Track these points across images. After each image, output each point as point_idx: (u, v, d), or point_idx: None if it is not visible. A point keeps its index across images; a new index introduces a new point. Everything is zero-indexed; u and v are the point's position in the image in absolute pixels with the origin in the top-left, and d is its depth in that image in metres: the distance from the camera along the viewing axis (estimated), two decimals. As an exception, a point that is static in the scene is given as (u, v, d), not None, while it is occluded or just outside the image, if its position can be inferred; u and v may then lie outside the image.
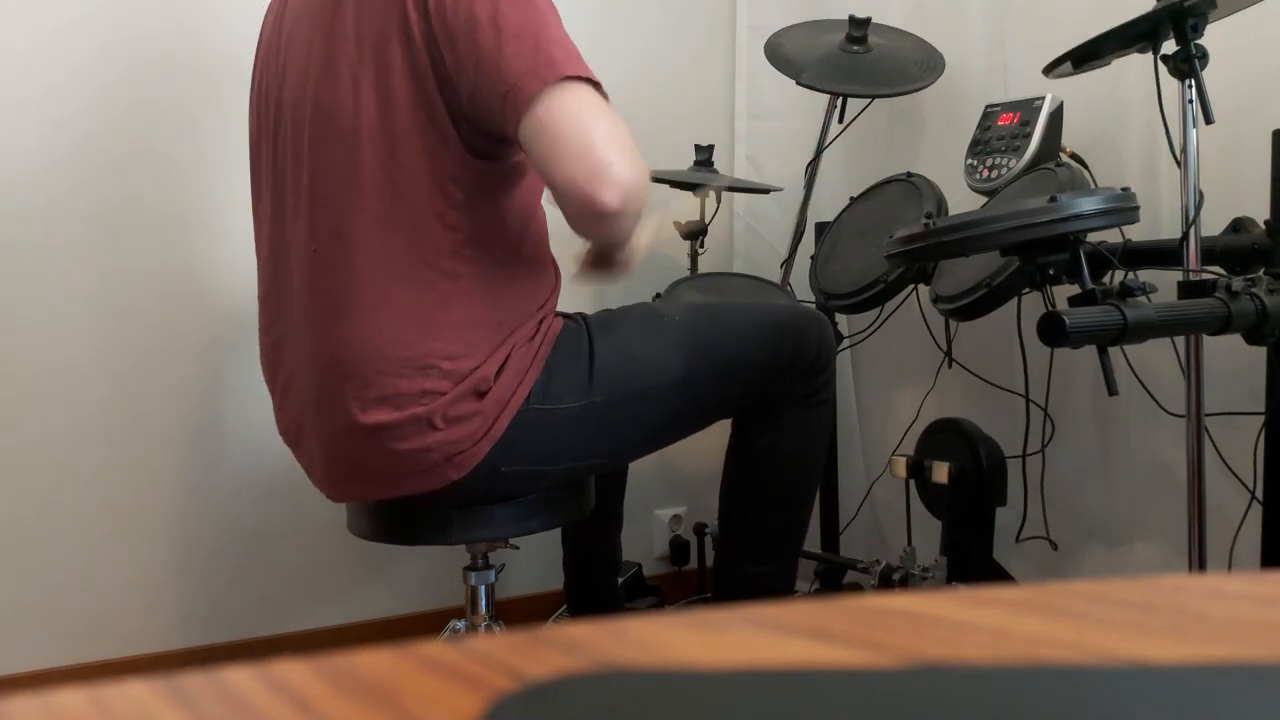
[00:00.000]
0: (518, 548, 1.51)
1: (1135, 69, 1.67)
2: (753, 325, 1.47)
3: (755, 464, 1.51)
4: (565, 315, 1.39)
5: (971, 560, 1.68)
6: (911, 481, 1.76)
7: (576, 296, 1.77)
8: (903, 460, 1.75)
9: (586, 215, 1.16)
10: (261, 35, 1.41)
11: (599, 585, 1.82)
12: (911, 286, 1.88)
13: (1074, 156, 1.71)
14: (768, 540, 1.53)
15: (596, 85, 1.18)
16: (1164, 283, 1.29)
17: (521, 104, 1.15)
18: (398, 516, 1.40)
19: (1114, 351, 1.26)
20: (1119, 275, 1.43)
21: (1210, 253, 1.44)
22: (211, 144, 1.93)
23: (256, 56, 1.40)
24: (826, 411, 1.53)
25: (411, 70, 1.20)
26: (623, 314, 1.45)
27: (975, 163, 1.74)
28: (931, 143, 2.13)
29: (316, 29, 1.27)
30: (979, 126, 1.79)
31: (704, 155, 2.14)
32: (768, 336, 1.46)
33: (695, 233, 2.17)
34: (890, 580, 1.79)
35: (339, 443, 1.29)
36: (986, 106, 1.80)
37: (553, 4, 1.23)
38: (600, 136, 1.15)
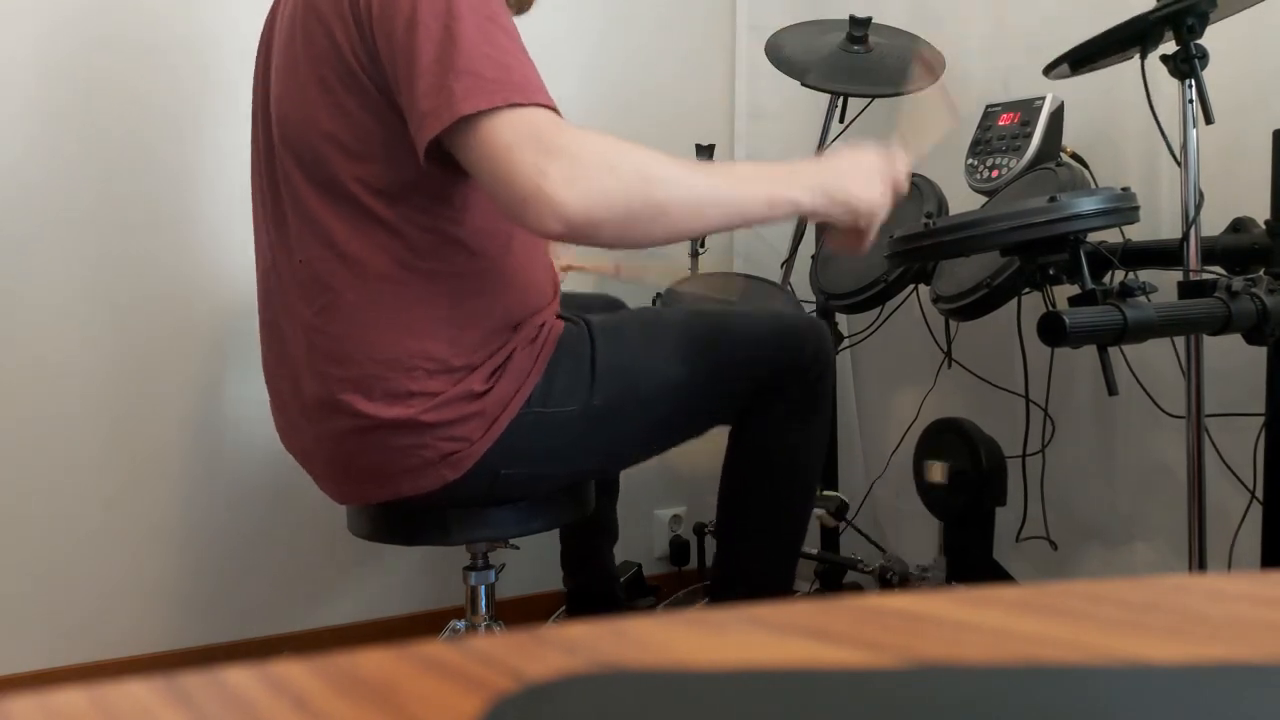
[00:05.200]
0: (518, 548, 1.51)
1: (1135, 69, 1.67)
2: (752, 333, 1.47)
3: (753, 466, 1.51)
4: (567, 318, 1.38)
5: (971, 560, 1.68)
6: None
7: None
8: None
9: (549, 237, 1.15)
10: (257, 54, 1.42)
11: (599, 596, 1.83)
12: (911, 286, 1.88)
13: (1074, 156, 1.71)
14: (766, 541, 1.53)
15: (518, 104, 1.09)
16: (1164, 283, 1.29)
17: (425, 146, 1.12)
18: (398, 516, 1.40)
19: (1114, 351, 1.26)
20: (1119, 275, 1.43)
21: (1210, 253, 1.44)
22: (208, 138, 1.92)
23: (254, 76, 1.41)
24: (823, 419, 1.52)
25: (358, 87, 1.19)
26: (624, 318, 1.45)
27: (976, 163, 1.74)
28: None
29: (284, 48, 1.28)
30: (979, 126, 1.79)
31: (704, 155, 2.14)
32: (767, 344, 1.46)
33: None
34: (890, 580, 1.79)
35: (333, 445, 1.29)
36: (987, 106, 1.80)
37: (486, 5, 1.14)
38: (522, 168, 1.08)
